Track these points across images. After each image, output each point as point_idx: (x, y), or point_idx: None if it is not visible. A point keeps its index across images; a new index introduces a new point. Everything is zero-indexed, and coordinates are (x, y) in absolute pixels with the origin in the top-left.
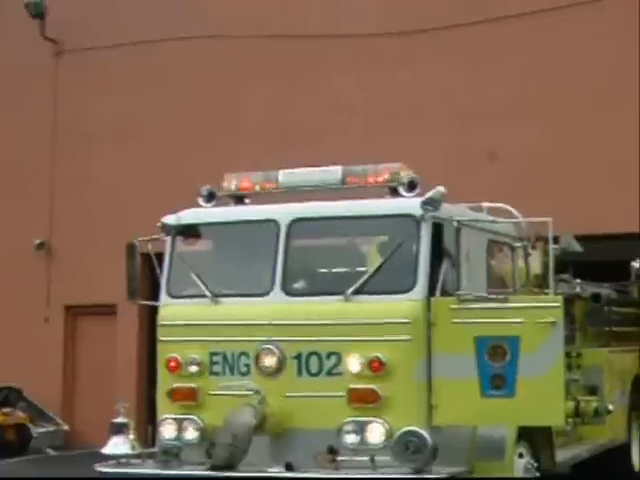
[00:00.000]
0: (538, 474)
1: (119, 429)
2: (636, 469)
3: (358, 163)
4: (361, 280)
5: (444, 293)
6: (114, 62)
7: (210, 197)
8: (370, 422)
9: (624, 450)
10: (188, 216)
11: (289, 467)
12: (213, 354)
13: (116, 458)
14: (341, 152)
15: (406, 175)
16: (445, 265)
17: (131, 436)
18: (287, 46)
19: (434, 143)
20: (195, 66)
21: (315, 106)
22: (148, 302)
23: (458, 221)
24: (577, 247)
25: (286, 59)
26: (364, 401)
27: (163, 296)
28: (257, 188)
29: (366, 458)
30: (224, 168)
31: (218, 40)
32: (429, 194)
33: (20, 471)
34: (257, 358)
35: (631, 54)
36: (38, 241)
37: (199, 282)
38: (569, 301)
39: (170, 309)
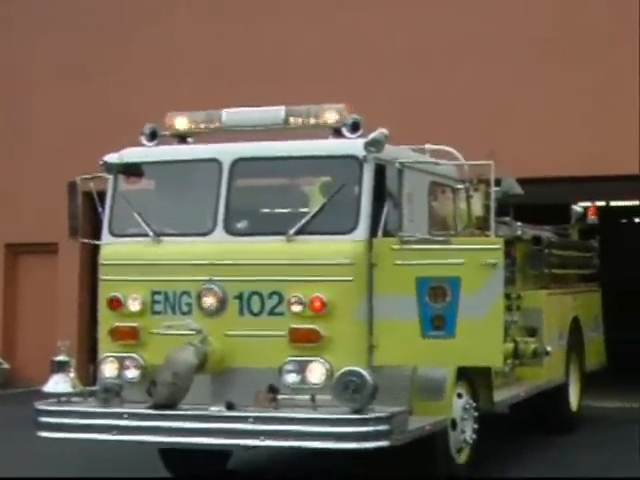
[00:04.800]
0: (476, 414)
1: (60, 367)
2: (573, 409)
3: (306, 104)
4: (303, 220)
5: (386, 234)
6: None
7: (152, 136)
8: (311, 362)
9: (562, 391)
10: (130, 155)
11: (230, 406)
12: (155, 293)
13: (57, 396)
14: (286, 94)
15: (349, 116)
16: (387, 206)
17: (72, 374)
18: None
19: (378, 86)
20: (141, 2)
21: (261, 47)
22: (90, 241)
23: (401, 163)
24: (518, 190)
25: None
26: (305, 341)
27: (105, 235)
28: (200, 127)
29: (306, 397)
30: (168, 107)
31: None
32: (372, 135)
33: None
34: (199, 297)
35: None
36: None
37: (141, 221)
38: (510, 243)
39: (112, 248)
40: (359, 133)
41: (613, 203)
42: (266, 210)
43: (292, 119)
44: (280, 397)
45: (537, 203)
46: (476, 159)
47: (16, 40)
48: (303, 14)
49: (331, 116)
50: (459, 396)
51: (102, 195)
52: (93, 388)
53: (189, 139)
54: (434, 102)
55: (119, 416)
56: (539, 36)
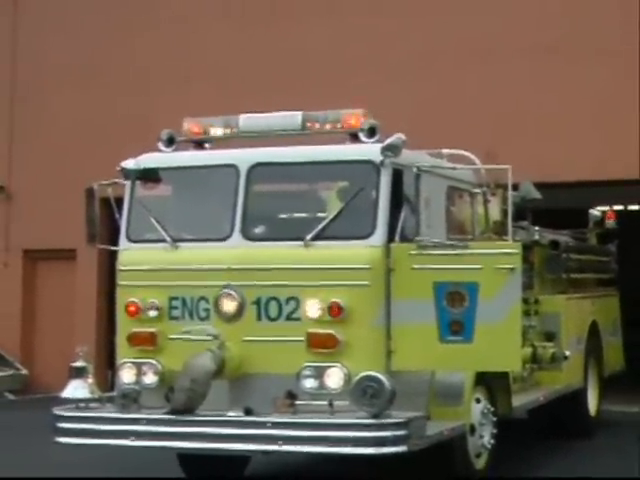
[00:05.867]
0: (495, 419)
1: (78, 373)
2: (591, 414)
3: (320, 109)
4: (321, 225)
5: (403, 239)
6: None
7: (170, 142)
8: (329, 367)
9: (580, 395)
10: (147, 160)
11: (248, 411)
12: (172, 299)
13: (75, 402)
14: (304, 98)
15: (366, 121)
16: (404, 211)
17: (90, 380)
18: None
19: (395, 90)
20: (158, 5)
21: (279, 52)
22: (107, 247)
23: (418, 167)
24: (536, 194)
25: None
26: (323, 346)
27: (122, 241)
28: (217, 133)
29: (324, 403)
30: (184, 111)
31: None
32: (389, 140)
33: None
34: (216, 303)
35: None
36: None
37: (159, 227)
38: (527, 248)
39: (129, 254)
40: (376, 138)
41: (631, 207)
42: (283, 215)
43: (309, 124)
44: (298, 402)
45: (555, 207)
46: (486, 163)
47: (31, 43)
48: (316, 20)
49: (348, 121)
50: (477, 401)
51: (119, 201)
52: (111, 394)
53: (206, 145)
54: (445, 106)
55: (137, 422)
56: (553, 38)
